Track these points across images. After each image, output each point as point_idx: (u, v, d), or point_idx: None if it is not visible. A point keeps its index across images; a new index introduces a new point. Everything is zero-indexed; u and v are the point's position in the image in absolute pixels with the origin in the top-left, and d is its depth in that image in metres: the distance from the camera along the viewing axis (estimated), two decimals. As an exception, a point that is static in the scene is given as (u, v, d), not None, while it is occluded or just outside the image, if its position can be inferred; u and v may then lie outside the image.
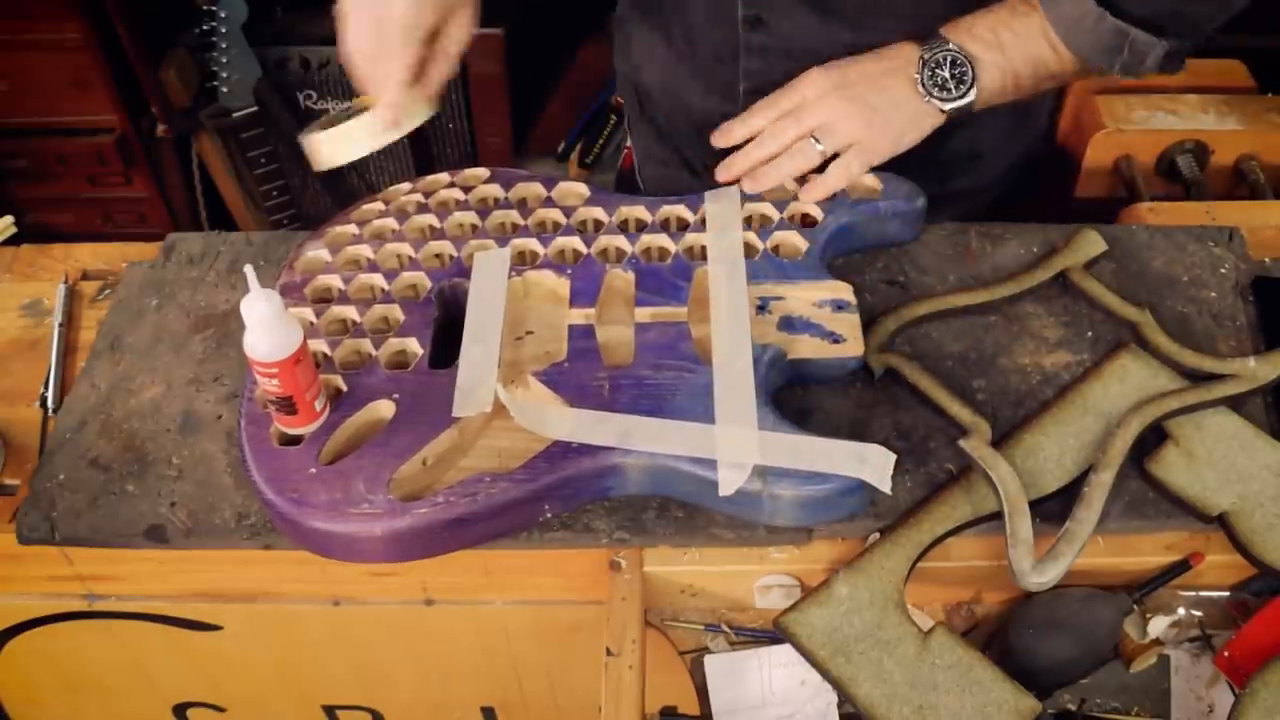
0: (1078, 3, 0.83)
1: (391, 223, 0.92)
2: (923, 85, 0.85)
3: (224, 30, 1.88)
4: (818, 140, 0.87)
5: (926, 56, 0.85)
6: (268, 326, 0.71)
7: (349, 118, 0.85)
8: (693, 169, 1.11)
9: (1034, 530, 0.77)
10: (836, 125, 0.87)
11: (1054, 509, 0.77)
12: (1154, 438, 0.80)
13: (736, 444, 0.75)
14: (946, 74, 0.85)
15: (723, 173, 0.91)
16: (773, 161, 0.89)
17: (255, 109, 1.96)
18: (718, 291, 0.84)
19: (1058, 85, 0.91)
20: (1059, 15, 0.83)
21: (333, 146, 0.85)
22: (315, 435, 0.77)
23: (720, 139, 0.92)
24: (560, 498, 0.77)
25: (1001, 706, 0.69)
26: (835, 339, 0.83)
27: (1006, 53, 0.85)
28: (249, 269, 0.71)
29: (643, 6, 1.06)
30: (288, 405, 0.75)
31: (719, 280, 0.85)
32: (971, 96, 0.85)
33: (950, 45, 0.85)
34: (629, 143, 1.23)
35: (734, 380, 0.78)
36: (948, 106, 0.86)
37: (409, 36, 0.81)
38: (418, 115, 0.85)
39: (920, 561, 0.75)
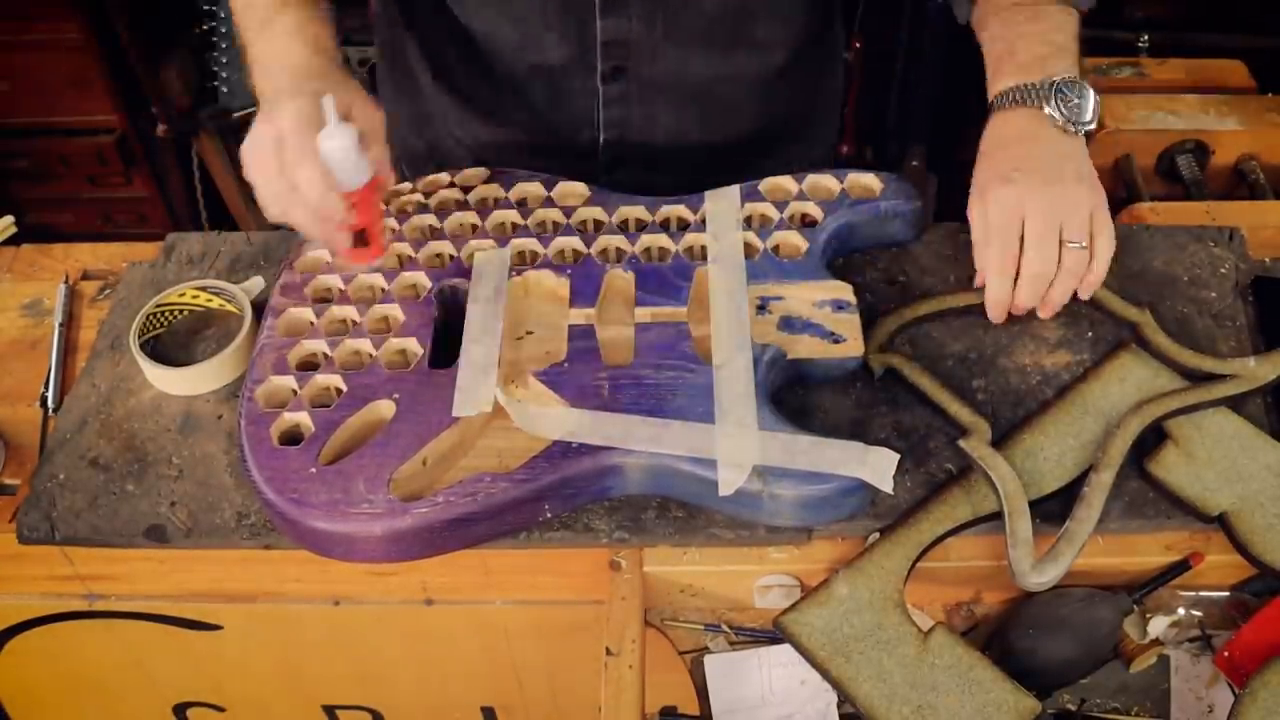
0: None
1: (392, 223, 0.92)
2: (1061, 121, 0.84)
3: (224, 30, 1.88)
4: (1073, 241, 0.83)
5: (1046, 92, 0.85)
6: (350, 157, 0.75)
7: None
8: None
9: (1034, 530, 0.77)
10: (1069, 216, 0.82)
11: (1054, 509, 0.77)
12: (1154, 438, 0.80)
13: (736, 444, 0.75)
14: (1075, 99, 0.85)
15: (995, 314, 0.87)
16: (1055, 285, 0.84)
17: (255, 109, 1.96)
18: (717, 291, 0.84)
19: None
20: None
21: None
22: (315, 435, 0.77)
23: (999, 313, 0.86)
24: (560, 497, 0.77)
25: (1001, 707, 0.69)
26: (835, 339, 0.83)
27: (1070, 53, 0.88)
28: (327, 101, 0.74)
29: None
30: (361, 238, 0.79)
31: (719, 280, 0.85)
32: (1095, 109, 0.85)
33: (1056, 80, 0.84)
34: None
35: (734, 380, 0.78)
36: (1083, 120, 0.85)
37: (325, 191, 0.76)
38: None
39: (920, 561, 0.75)
